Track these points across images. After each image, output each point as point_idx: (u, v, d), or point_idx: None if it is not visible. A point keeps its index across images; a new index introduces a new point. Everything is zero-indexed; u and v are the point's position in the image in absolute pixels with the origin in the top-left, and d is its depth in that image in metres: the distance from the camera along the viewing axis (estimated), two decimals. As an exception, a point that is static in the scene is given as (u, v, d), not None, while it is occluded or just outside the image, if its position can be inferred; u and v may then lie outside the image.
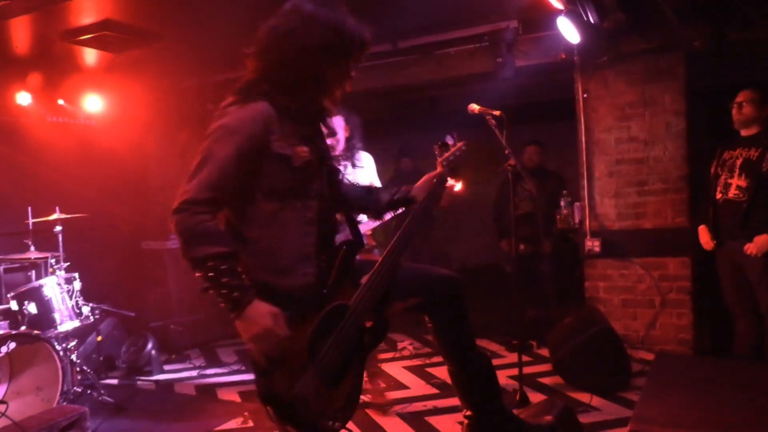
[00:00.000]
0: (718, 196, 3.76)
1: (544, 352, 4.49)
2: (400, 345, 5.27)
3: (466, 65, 5.15)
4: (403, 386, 4.21)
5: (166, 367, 5.00)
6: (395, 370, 4.58)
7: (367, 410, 3.64)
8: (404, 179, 6.67)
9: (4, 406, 3.18)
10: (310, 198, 1.80)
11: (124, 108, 5.86)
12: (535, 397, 3.68)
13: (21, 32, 4.36)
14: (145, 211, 6.21)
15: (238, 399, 4.13)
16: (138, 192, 6.33)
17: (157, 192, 6.36)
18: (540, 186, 5.01)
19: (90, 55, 4.97)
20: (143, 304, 5.58)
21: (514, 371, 3.83)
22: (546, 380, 4.10)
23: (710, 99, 4.90)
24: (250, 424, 3.62)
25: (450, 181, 2.22)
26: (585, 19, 4.17)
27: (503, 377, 4.18)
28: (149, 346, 4.90)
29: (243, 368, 4.81)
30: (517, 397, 3.57)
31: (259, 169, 1.74)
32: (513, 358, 4.40)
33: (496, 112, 3.49)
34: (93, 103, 5.59)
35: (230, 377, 4.68)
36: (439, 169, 2.21)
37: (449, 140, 2.31)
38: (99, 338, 4.82)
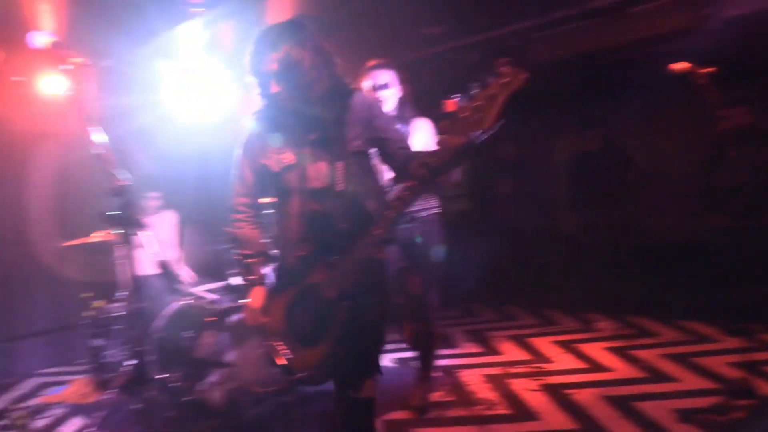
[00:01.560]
0: None
1: (770, 337, 4.00)
2: (598, 324, 5.05)
3: (661, 23, 4.70)
4: (605, 368, 4.03)
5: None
6: (594, 351, 4.40)
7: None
8: (592, 153, 6.37)
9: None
10: (293, 195, 2.11)
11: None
12: (765, 389, 3.30)
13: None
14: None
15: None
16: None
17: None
18: (757, 151, 4.44)
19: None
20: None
21: (734, 358, 3.48)
22: (775, 370, 3.65)
23: None
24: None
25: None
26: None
27: (721, 364, 3.82)
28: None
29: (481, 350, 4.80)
30: (741, 388, 3.23)
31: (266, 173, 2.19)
32: (731, 343, 4.00)
33: (709, 69, 3.16)
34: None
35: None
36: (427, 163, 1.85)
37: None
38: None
